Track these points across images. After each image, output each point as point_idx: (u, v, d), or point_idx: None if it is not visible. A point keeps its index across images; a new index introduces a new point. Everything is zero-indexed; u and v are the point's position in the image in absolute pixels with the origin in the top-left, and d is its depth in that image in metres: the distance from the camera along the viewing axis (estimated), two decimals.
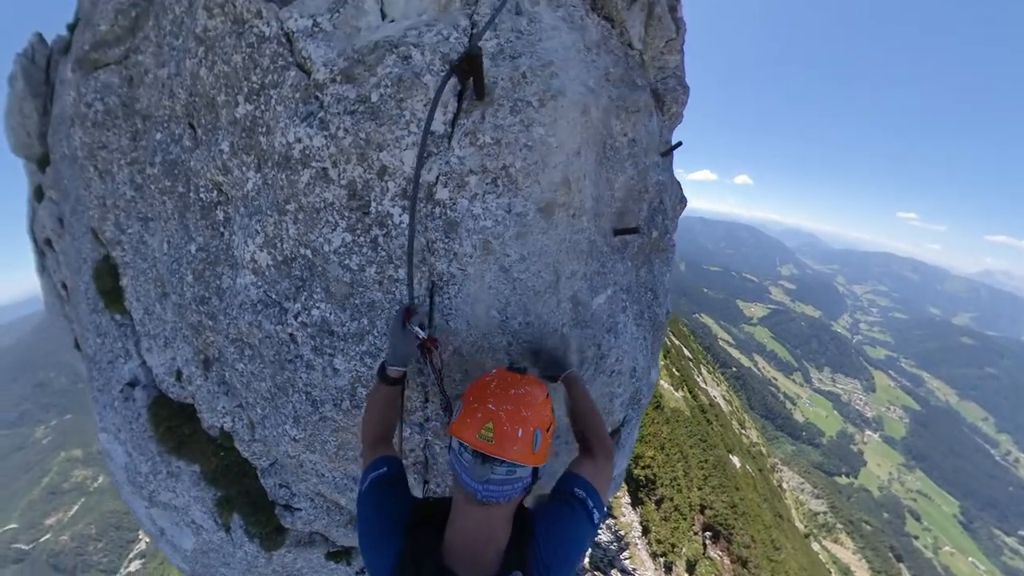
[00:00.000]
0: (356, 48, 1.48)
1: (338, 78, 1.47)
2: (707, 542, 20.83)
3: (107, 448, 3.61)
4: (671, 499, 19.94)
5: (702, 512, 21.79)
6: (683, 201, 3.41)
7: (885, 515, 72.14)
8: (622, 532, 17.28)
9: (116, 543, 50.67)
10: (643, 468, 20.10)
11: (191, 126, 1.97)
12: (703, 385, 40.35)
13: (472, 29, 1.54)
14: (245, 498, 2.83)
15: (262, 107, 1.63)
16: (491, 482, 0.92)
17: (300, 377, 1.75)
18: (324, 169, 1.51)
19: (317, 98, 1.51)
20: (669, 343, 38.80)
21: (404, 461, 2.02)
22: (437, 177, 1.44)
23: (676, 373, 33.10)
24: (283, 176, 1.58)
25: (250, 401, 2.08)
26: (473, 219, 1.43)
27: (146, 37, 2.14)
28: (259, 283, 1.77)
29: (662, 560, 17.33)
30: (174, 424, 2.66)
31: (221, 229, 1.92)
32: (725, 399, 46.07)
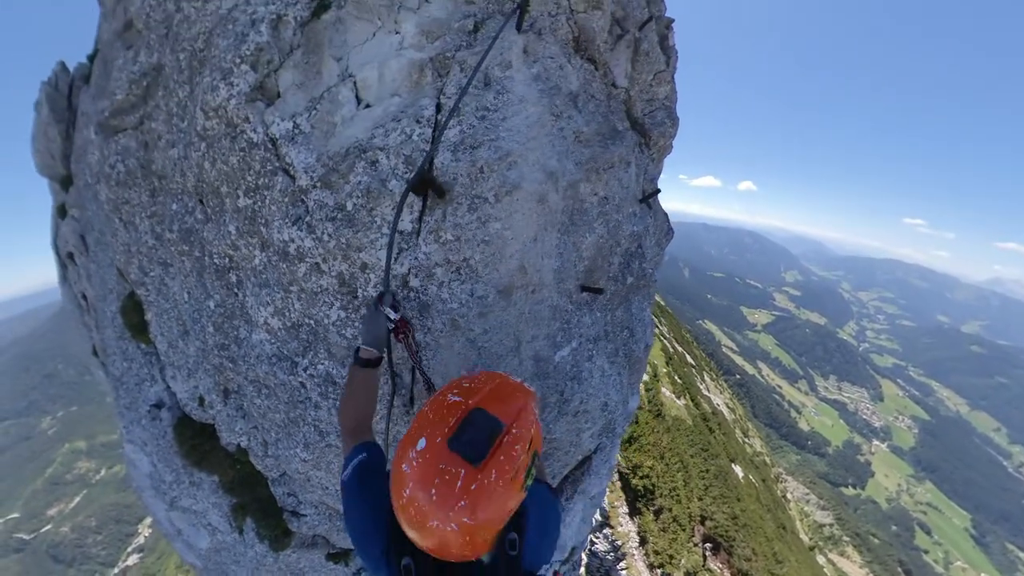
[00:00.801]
0: (330, 154, 1.64)
1: (318, 184, 1.65)
2: (707, 554, 20.71)
3: (132, 458, 3.98)
4: (670, 509, 19.92)
5: (702, 523, 21.70)
6: (669, 233, 3.45)
7: (893, 528, 70.60)
8: (619, 542, 17.32)
9: (115, 536, 51.15)
10: (642, 478, 20.13)
11: (201, 202, 2.14)
12: (706, 393, 40.17)
13: (437, 114, 1.62)
14: (257, 504, 3.18)
15: (259, 202, 1.82)
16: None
17: (309, 413, 2.08)
18: (317, 263, 1.75)
19: (303, 202, 1.70)
20: (672, 349, 38.74)
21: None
22: (409, 269, 1.66)
23: (678, 381, 33.07)
24: (284, 265, 1.82)
25: (265, 427, 2.39)
26: (442, 302, 1.68)
27: (157, 106, 2.30)
28: (273, 341, 2.03)
29: (659, 571, 17.32)
30: (197, 442, 3.02)
31: (235, 290, 2.11)
32: (728, 407, 45.77)
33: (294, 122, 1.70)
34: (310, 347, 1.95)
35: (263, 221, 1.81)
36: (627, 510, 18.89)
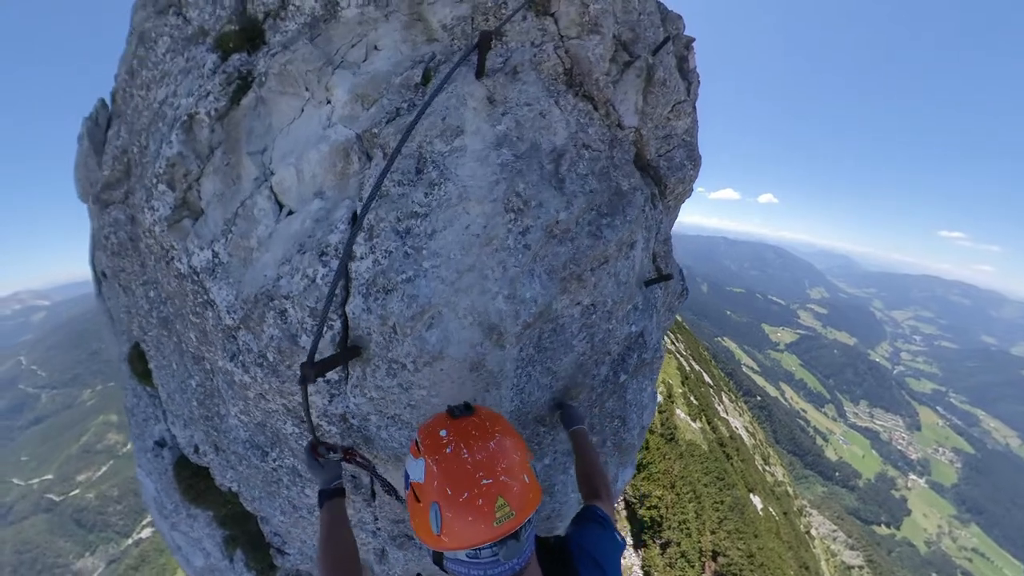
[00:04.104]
0: (244, 297, 1.44)
1: (240, 326, 1.49)
2: None
3: (142, 480, 4.28)
4: (678, 543, 18.97)
5: (714, 559, 20.53)
6: (684, 293, 3.00)
7: (933, 575, 64.56)
8: None
9: (133, 509, 53.76)
10: (649, 508, 19.34)
11: (169, 298, 2.06)
12: (724, 415, 38.49)
13: (353, 221, 1.27)
14: (247, 538, 3.37)
15: (205, 325, 1.68)
16: (516, 554, 0.80)
17: (282, 492, 2.21)
18: (261, 393, 1.66)
19: (235, 339, 1.55)
20: (688, 368, 37.44)
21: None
22: (343, 412, 1.54)
23: (694, 402, 31.88)
24: (237, 384, 1.72)
25: (248, 486, 2.55)
26: (383, 441, 1.57)
27: (137, 180, 2.14)
28: (245, 429, 2.07)
29: None
30: (193, 481, 3.25)
31: (211, 376, 2.07)
32: (748, 431, 43.58)
33: (212, 251, 1.51)
34: (276, 444, 1.97)
35: (212, 342, 1.70)
36: (631, 542, 18.14)
